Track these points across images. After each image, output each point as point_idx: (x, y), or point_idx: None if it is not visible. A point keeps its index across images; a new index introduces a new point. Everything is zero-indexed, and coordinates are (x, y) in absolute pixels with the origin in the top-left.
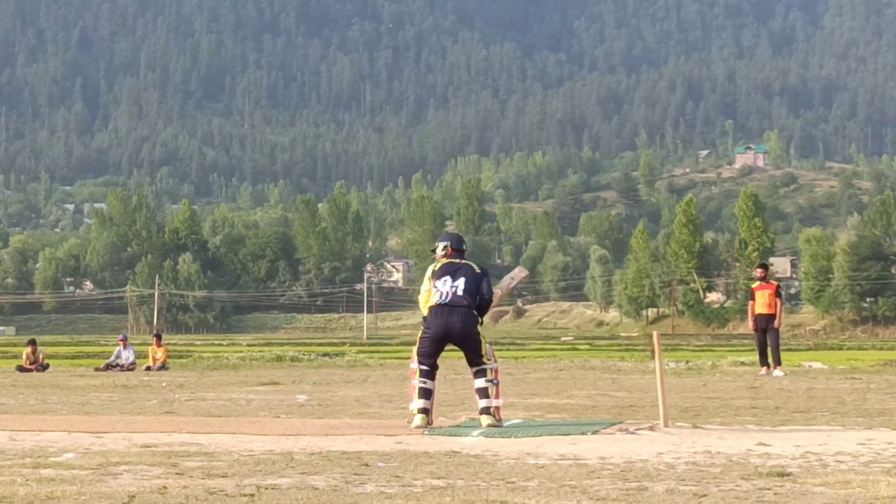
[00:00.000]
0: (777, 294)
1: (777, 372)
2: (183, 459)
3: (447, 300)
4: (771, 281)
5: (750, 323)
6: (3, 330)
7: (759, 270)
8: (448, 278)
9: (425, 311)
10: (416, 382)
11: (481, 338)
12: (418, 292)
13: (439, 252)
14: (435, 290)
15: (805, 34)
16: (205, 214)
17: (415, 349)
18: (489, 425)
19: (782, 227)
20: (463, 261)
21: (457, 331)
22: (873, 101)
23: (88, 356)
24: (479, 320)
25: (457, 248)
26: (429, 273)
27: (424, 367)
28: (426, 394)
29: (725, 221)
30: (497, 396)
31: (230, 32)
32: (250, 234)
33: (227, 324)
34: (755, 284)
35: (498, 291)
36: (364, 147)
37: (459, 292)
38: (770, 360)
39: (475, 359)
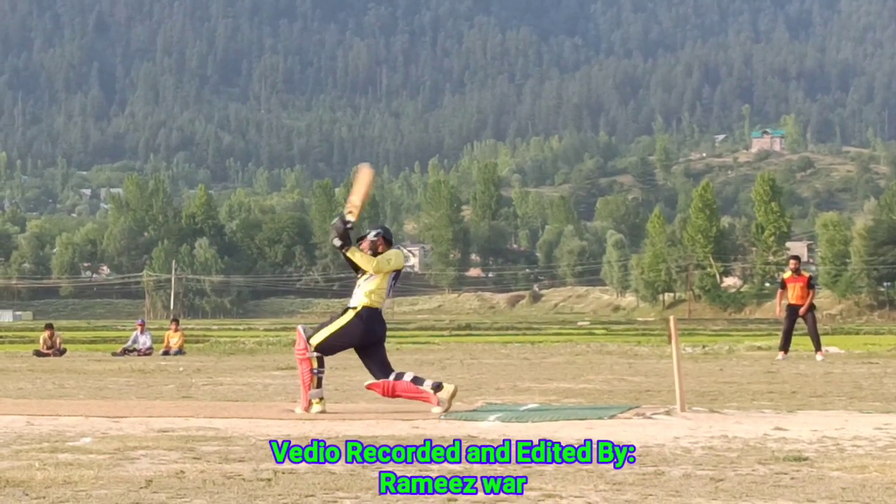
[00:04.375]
0: (809, 286)
1: (818, 357)
2: (200, 444)
3: (381, 306)
4: (803, 273)
5: (777, 308)
6: (20, 315)
7: (792, 262)
8: (393, 283)
9: (368, 297)
10: (317, 373)
11: None
12: (384, 262)
13: (371, 237)
14: (385, 291)
15: (822, 18)
16: (221, 199)
17: (321, 338)
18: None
19: (799, 212)
20: None
21: (379, 338)
22: (890, 85)
23: (105, 341)
24: None
25: (389, 242)
26: (387, 264)
27: (321, 357)
28: (321, 382)
29: (742, 206)
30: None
31: (246, 17)
32: (267, 218)
33: (244, 308)
34: (787, 275)
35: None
36: (380, 132)
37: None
38: (811, 345)
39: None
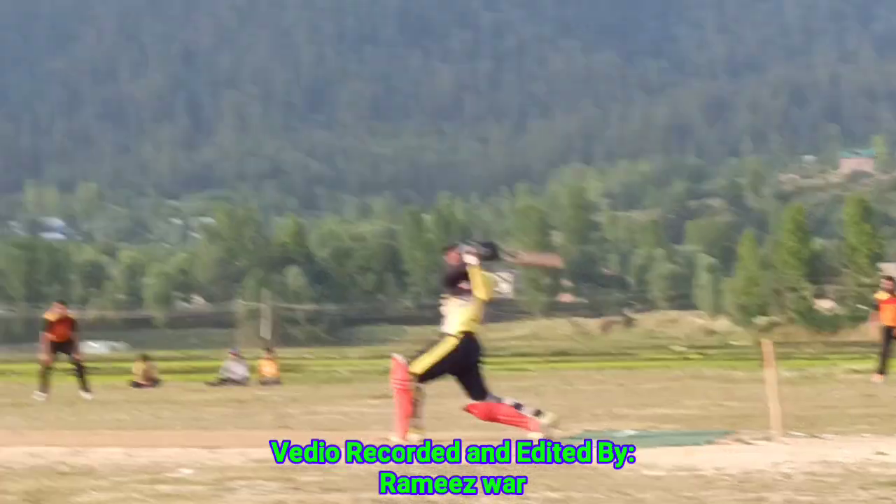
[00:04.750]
0: None
1: None
2: (299, 474)
3: (477, 330)
4: None
5: (873, 330)
6: (115, 346)
7: (887, 283)
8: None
9: (468, 323)
10: (416, 401)
11: None
12: (489, 283)
13: (473, 256)
14: (481, 316)
15: None
16: (310, 227)
17: (423, 366)
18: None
19: (892, 233)
20: None
21: (476, 360)
22: None
23: (200, 371)
24: None
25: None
26: (489, 284)
27: (423, 387)
28: (419, 410)
29: (834, 227)
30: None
31: (331, 44)
32: (357, 246)
33: (337, 337)
34: (884, 297)
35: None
36: (467, 157)
37: None
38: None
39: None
